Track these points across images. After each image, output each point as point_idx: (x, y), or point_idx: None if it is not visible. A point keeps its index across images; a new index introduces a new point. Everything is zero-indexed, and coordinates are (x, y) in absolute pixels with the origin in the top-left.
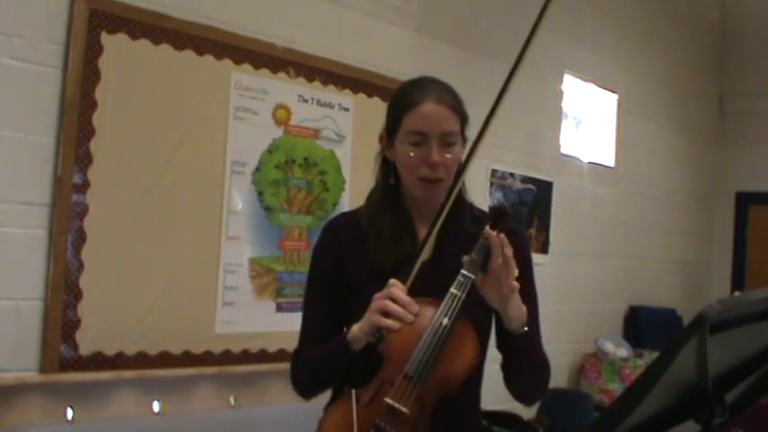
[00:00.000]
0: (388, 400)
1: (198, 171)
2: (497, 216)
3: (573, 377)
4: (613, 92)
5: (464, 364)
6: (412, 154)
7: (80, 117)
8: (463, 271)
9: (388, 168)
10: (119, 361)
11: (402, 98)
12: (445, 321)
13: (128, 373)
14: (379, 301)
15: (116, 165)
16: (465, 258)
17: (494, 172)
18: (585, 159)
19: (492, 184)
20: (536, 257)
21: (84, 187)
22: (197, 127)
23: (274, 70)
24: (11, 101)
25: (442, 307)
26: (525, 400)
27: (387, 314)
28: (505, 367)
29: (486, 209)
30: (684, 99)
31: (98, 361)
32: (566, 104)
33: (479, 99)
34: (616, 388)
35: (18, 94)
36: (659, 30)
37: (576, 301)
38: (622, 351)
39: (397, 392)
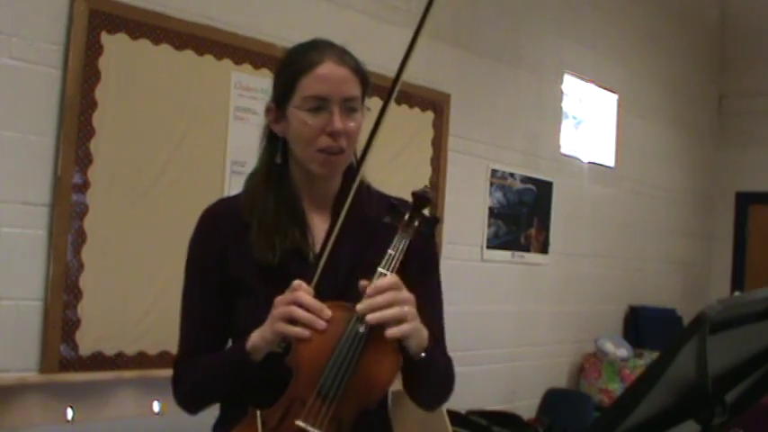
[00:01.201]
0: (300, 424)
1: (198, 171)
2: (420, 203)
3: (573, 377)
4: (613, 92)
5: (386, 376)
6: (310, 122)
7: (80, 117)
8: (380, 269)
9: (274, 146)
10: (119, 361)
11: (296, 60)
12: (362, 329)
13: (128, 373)
14: (282, 306)
15: (116, 165)
16: (384, 258)
17: (494, 172)
18: (585, 159)
19: (492, 184)
20: (536, 257)
21: (84, 187)
22: (197, 127)
23: (274, 70)
24: (11, 101)
25: (357, 311)
26: (428, 408)
27: (293, 321)
28: (406, 382)
29: (485, 209)
30: (684, 99)
31: (98, 361)
32: (566, 104)
33: (479, 99)
34: (616, 388)
35: (18, 94)
36: (659, 30)
37: (576, 301)
38: (622, 351)
39: (311, 413)
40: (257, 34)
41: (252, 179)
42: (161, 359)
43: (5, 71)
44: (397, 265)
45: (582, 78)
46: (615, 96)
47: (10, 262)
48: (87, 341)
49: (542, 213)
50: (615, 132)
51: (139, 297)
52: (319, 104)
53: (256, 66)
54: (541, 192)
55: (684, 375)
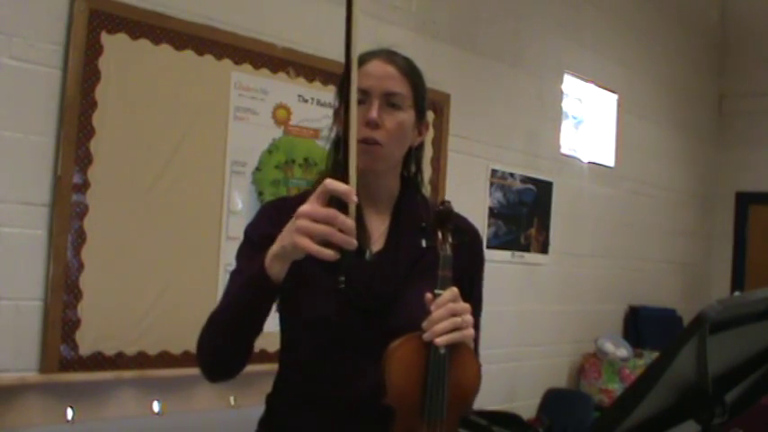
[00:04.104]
0: None
1: (198, 171)
2: (441, 220)
3: (573, 377)
4: (613, 92)
5: (476, 378)
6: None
7: (80, 117)
8: (437, 291)
9: (339, 145)
10: (119, 361)
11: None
12: (443, 350)
13: (128, 373)
14: (313, 224)
15: (116, 165)
16: (438, 280)
17: (494, 172)
18: (585, 159)
19: (492, 184)
20: (536, 257)
21: (84, 187)
22: (197, 127)
23: (274, 70)
24: (11, 101)
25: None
26: None
27: (308, 234)
28: None
29: (485, 209)
30: (684, 99)
31: (98, 361)
32: (566, 104)
33: (479, 99)
34: (616, 388)
35: (18, 94)
36: (659, 30)
37: (576, 301)
38: (622, 351)
39: None
40: (257, 34)
41: (320, 177)
42: (161, 359)
43: (5, 71)
44: (450, 282)
45: (582, 78)
46: (615, 96)
47: (10, 262)
48: (87, 341)
49: (542, 213)
50: (615, 132)
51: (139, 297)
52: (362, 98)
53: (256, 66)
54: (541, 192)
55: (684, 375)
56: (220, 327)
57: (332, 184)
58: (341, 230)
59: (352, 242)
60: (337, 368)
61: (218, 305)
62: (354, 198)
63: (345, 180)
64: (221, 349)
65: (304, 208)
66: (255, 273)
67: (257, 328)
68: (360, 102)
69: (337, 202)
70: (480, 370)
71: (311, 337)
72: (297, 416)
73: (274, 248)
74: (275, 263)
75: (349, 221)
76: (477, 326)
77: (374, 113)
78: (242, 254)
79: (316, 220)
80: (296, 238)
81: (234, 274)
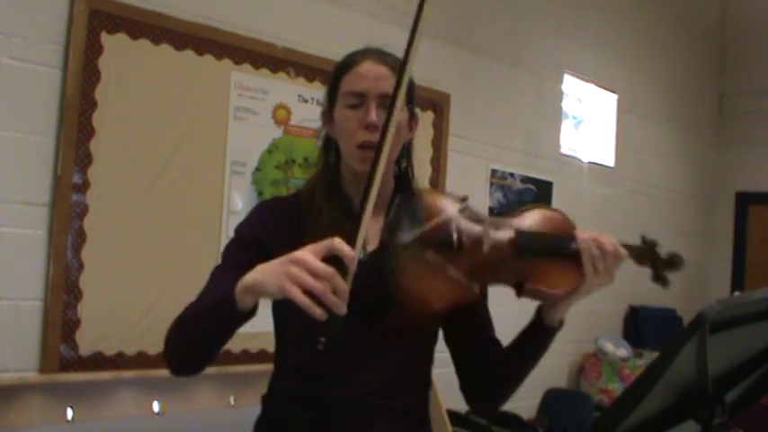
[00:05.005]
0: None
1: (198, 171)
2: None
3: (573, 377)
4: (613, 92)
5: (422, 292)
6: (349, 117)
7: (80, 117)
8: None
9: (329, 148)
10: (119, 361)
11: (341, 63)
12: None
13: (128, 373)
14: (309, 277)
15: (116, 165)
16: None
17: (494, 172)
18: (585, 159)
19: (492, 184)
20: None
21: (84, 187)
22: (197, 127)
23: (274, 70)
24: (11, 101)
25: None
26: (502, 401)
27: (299, 284)
28: (503, 369)
29: (485, 209)
30: (684, 99)
31: (98, 361)
32: (566, 104)
33: (479, 99)
34: (616, 388)
35: (18, 94)
36: (659, 30)
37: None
38: (622, 351)
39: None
40: (257, 34)
41: (311, 179)
42: (161, 359)
43: (5, 71)
44: None
45: (582, 78)
46: (615, 96)
47: (10, 262)
48: (87, 341)
49: None
50: (615, 132)
51: (139, 297)
52: (358, 101)
53: (256, 66)
54: (541, 192)
55: (684, 375)
56: (188, 332)
57: (340, 245)
58: (334, 291)
59: (343, 308)
60: (334, 368)
61: (194, 302)
62: (354, 266)
63: (363, 205)
64: (187, 351)
65: (302, 255)
66: (224, 298)
67: (224, 341)
68: (354, 106)
69: (336, 258)
70: (437, 302)
71: (307, 338)
72: (293, 416)
73: (250, 280)
74: (247, 295)
75: (344, 286)
76: (486, 309)
77: (374, 117)
78: (228, 250)
79: (312, 274)
80: (285, 283)
81: (215, 270)
